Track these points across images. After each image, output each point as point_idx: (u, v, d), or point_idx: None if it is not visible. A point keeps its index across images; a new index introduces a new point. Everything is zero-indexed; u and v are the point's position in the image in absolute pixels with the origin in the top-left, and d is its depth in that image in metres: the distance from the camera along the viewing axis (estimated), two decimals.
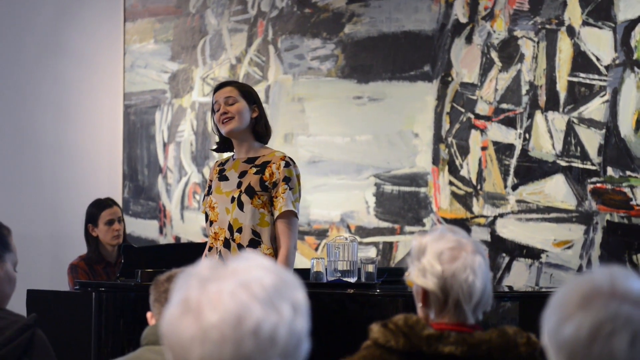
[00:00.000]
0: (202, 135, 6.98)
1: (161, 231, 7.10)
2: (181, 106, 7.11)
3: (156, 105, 7.23)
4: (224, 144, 4.50)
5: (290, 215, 4.31)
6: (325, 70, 6.48)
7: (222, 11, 6.95)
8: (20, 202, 6.87)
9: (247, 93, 4.42)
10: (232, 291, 1.61)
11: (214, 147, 4.59)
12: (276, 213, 4.31)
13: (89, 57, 7.24)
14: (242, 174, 4.37)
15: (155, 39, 7.27)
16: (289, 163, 4.34)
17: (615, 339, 1.68)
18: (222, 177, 4.43)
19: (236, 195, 4.32)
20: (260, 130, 4.41)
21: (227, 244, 4.31)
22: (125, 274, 5.03)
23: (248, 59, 6.81)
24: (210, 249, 4.41)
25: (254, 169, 4.36)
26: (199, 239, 6.86)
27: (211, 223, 4.38)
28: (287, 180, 4.31)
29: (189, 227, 7.00)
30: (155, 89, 7.26)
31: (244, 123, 4.37)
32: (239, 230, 4.29)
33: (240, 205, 4.30)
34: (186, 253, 5.11)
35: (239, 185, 4.35)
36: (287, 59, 6.64)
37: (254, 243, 4.28)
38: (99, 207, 5.75)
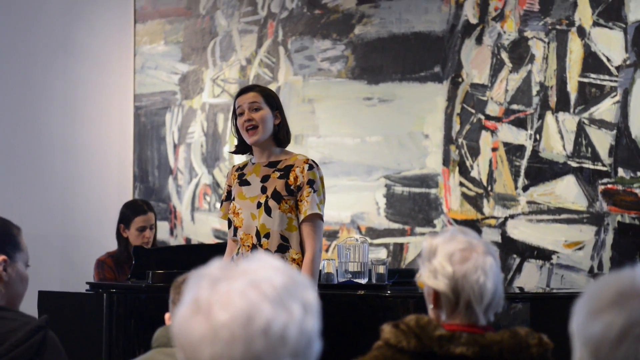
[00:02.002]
0: (212, 136, 6.98)
1: (172, 232, 7.11)
2: (191, 107, 7.12)
3: (166, 107, 7.24)
4: (243, 146, 4.48)
5: (316, 218, 4.31)
6: (336, 71, 6.48)
7: (232, 12, 6.95)
8: (30, 203, 6.88)
9: (271, 99, 4.41)
10: (242, 290, 1.61)
11: (233, 149, 4.56)
12: (301, 217, 4.30)
13: (99, 59, 7.26)
14: (265, 179, 4.35)
15: (165, 40, 7.28)
16: (312, 166, 4.34)
17: None
18: (243, 182, 4.40)
19: (262, 201, 4.30)
20: (282, 137, 4.41)
21: (254, 250, 4.28)
22: (137, 275, 5.03)
23: (258, 60, 6.81)
24: (237, 254, 4.37)
25: (277, 173, 4.34)
26: (209, 240, 6.87)
27: (236, 229, 4.36)
28: (311, 183, 4.31)
29: (200, 228, 7.00)
30: (165, 90, 7.26)
31: (268, 132, 4.37)
32: (267, 236, 4.28)
33: (268, 211, 4.29)
34: (197, 254, 5.11)
35: (264, 190, 4.33)
36: (297, 60, 6.64)
37: (283, 248, 4.27)
38: (133, 211, 5.73)
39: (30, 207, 6.86)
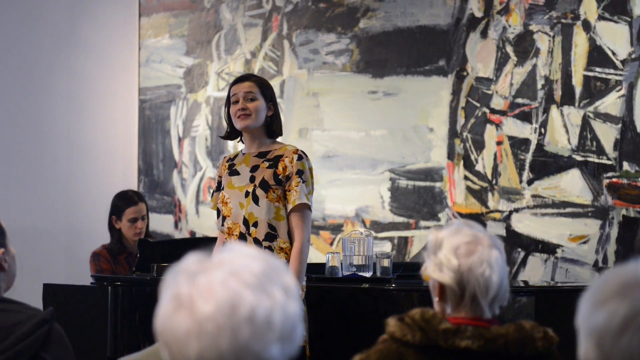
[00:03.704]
0: (217, 130, 6.98)
1: (176, 226, 7.11)
2: (196, 101, 7.12)
3: (171, 100, 7.24)
4: (234, 133, 4.50)
5: (304, 208, 4.32)
6: (340, 64, 6.47)
7: (236, 6, 6.95)
8: (36, 197, 6.88)
9: (266, 90, 4.43)
10: (223, 280, 1.61)
11: (223, 134, 4.57)
12: (290, 206, 4.31)
13: (104, 52, 7.26)
14: (254, 169, 4.37)
15: (170, 33, 7.28)
16: (301, 156, 4.35)
17: None
18: (233, 172, 4.42)
19: (250, 190, 4.32)
20: (275, 129, 4.43)
21: (242, 238, 4.30)
22: (141, 268, 5.04)
23: (263, 54, 6.81)
24: (224, 244, 4.37)
25: (267, 163, 4.36)
26: (213, 233, 6.86)
27: (224, 218, 4.37)
28: (300, 173, 4.32)
29: (204, 221, 7.01)
30: (170, 83, 7.26)
31: (259, 121, 4.38)
32: (255, 225, 4.29)
33: (256, 200, 4.30)
34: (201, 247, 5.11)
35: (252, 179, 4.35)
36: (302, 54, 6.64)
37: (270, 237, 4.28)
38: (125, 202, 5.72)
39: (35, 201, 6.87)
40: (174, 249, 5.31)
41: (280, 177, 4.33)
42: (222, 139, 4.63)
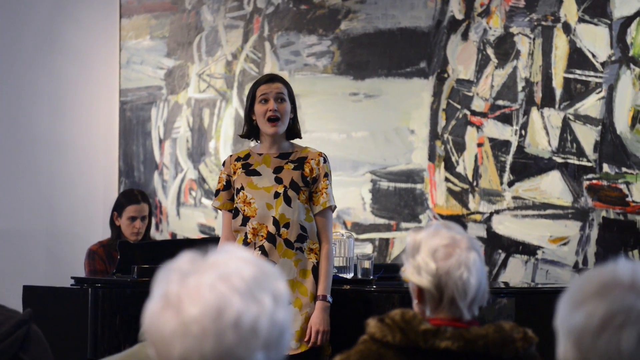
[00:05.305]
0: (198, 131, 6.98)
1: (157, 227, 7.10)
2: (177, 102, 7.11)
3: (152, 102, 7.23)
4: (253, 132, 4.47)
5: (330, 210, 4.40)
6: (321, 66, 6.47)
7: (217, 7, 6.94)
8: (16, 198, 6.86)
9: (292, 92, 4.47)
10: (212, 284, 1.61)
11: (242, 133, 4.52)
12: (318, 208, 4.36)
13: (84, 54, 7.24)
14: (278, 170, 4.36)
15: (151, 35, 7.27)
16: (325, 159, 4.43)
17: (624, 333, 1.65)
18: (251, 172, 4.39)
19: (281, 191, 4.32)
20: (296, 131, 4.46)
21: (271, 239, 4.28)
22: (122, 270, 5.03)
23: (244, 56, 6.81)
24: (246, 244, 4.31)
25: (291, 165, 4.38)
26: (195, 235, 6.86)
27: (247, 218, 4.34)
28: (326, 175, 4.40)
29: (185, 223, 7.00)
30: (151, 85, 7.25)
31: (286, 125, 4.41)
32: (286, 226, 4.30)
33: (288, 201, 4.31)
34: (182, 249, 5.10)
35: (279, 180, 4.34)
36: (283, 56, 6.64)
37: (302, 238, 4.31)
38: (127, 199, 5.68)
39: (16, 203, 6.85)
40: (155, 251, 5.30)
41: (307, 178, 4.37)
42: (241, 137, 4.57)
